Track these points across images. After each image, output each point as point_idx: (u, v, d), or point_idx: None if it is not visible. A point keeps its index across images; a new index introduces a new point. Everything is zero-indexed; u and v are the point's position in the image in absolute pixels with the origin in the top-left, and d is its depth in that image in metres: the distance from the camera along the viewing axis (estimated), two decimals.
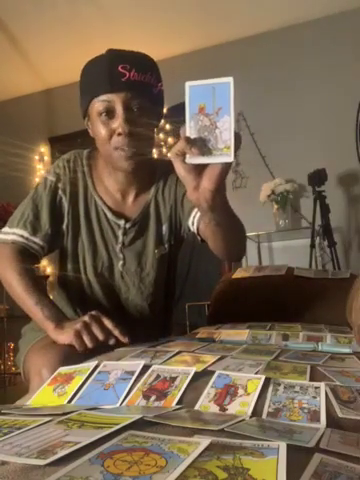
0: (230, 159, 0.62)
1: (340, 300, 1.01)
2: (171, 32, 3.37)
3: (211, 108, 0.62)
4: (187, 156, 0.64)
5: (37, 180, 3.77)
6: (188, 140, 0.63)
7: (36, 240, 1.07)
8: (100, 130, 0.99)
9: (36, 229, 1.07)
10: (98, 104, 0.98)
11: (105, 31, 3.28)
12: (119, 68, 0.95)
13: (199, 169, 0.66)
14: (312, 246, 2.78)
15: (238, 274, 1.60)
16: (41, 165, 3.87)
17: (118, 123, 0.97)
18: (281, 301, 1.41)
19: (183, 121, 0.64)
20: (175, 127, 3.13)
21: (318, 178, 2.77)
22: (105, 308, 1.12)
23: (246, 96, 3.10)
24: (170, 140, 3.37)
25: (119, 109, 0.97)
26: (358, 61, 3.11)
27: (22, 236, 1.07)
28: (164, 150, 3.40)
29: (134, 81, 0.96)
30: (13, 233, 1.07)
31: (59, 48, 3.46)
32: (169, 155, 0.67)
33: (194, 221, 1.09)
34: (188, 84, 0.63)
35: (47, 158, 3.92)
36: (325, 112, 3.12)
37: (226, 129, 0.62)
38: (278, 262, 3.14)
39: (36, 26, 3.22)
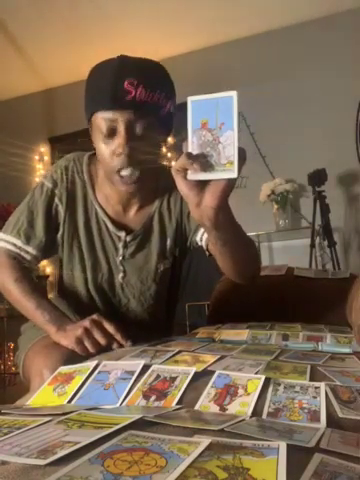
0: (234, 175, 0.60)
1: (340, 300, 1.01)
2: (171, 32, 3.37)
3: (214, 123, 0.60)
4: (189, 172, 0.63)
5: (37, 180, 3.77)
6: (190, 156, 0.61)
7: (29, 250, 1.04)
8: (101, 147, 0.95)
9: (30, 238, 1.04)
10: (100, 120, 0.92)
11: (105, 31, 3.29)
12: (125, 84, 0.88)
13: (201, 186, 0.64)
14: (312, 246, 2.79)
15: None
16: (41, 165, 3.87)
17: (118, 143, 0.91)
18: (281, 301, 1.41)
19: (185, 132, 0.63)
20: (177, 141, 3.12)
21: (318, 178, 2.78)
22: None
23: (246, 96, 3.10)
24: (170, 140, 3.37)
25: (121, 129, 0.90)
26: (358, 61, 3.11)
27: (15, 245, 1.04)
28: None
29: (140, 101, 0.89)
30: (6, 241, 1.04)
31: (59, 48, 3.46)
32: (172, 172, 0.65)
33: (202, 237, 1.06)
34: (190, 99, 0.61)
35: (47, 158, 3.92)
36: (325, 112, 3.12)
37: (229, 144, 0.60)
38: (278, 262, 3.14)
39: (36, 26, 3.22)
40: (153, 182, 1.08)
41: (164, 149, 3.39)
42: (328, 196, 2.80)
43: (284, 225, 3.05)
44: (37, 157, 3.87)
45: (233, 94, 0.59)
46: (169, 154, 3.40)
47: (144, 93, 0.89)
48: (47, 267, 3.33)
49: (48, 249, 1.08)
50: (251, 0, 3.06)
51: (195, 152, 0.61)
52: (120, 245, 1.08)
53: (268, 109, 3.22)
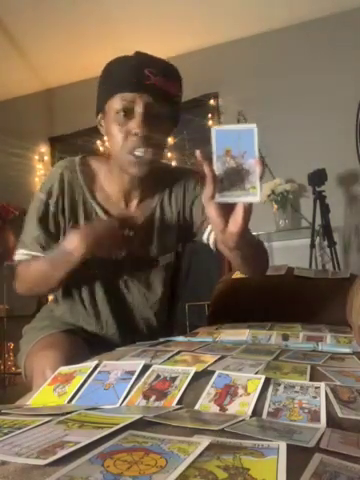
0: (257, 199, 0.66)
1: (340, 300, 1.01)
2: (171, 32, 3.37)
3: (237, 151, 0.66)
4: (217, 195, 0.67)
5: (37, 180, 3.78)
6: (216, 179, 0.66)
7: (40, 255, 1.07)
8: (115, 129, 0.97)
9: (33, 249, 1.06)
10: (117, 102, 0.96)
11: (105, 31, 3.29)
12: (146, 71, 0.94)
13: (227, 213, 0.70)
14: (312, 246, 2.78)
15: (238, 274, 1.60)
16: (41, 165, 3.87)
17: (136, 124, 0.95)
18: (281, 301, 1.41)
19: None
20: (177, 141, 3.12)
21: (318, 178, 2.77)
22: (109, 314, 1.12)
23: (246, 96, 3.11)
24: (170, 140, 3.37)
25: (138, 110, 0.95)
26: (358, 61, 3.11)
27: (24, 258, 1.07)
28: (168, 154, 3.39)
29: (158, 86, 0.95)
30: (28, 254, 1.07)
31: (59, 48, 3.46)
32: (203, 200, 0.70)
33: (209, 237, 1.09)
34: (214, 129, 0.66)
35: (47, 158, 3.92)
36: (325, 112, 3.12)
37: (252, 171, 0.66)
38: (278, 262, 3.13)
39: (36, 26, 3.22)
40: (154, 176, 1.09)
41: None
42: (328, 196, 2.79)
43: (284, 225, 3.05)
44: (37, 157, 3.87)
45: (254, 126, 0.66)
46: (169, 154, 3.41)
47: (162, 81, 0.96)
48: None
49: None
50: (251, 0, 3.06)
51: (220, 176, 0.66)
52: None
53: (268, 109, 3.22)
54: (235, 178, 0.66)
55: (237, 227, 0.70)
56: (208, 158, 0.67)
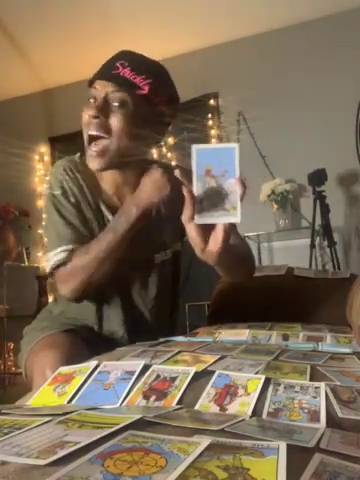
0: (237, 220, 0.65)
1: (340, 300, 1.01)
2: (171, 32, 3.37)
3: (217, 171, 0.65)
4: (196, 216, 0.66)
5: (37, 180, 3.78)
6: (195, 200, 0.65)
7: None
8: (84, 114, 1.01)
9: (79, 240, 1.02)
10: (89, 90, 1.02)
11: (105, 31, 3.29)
12: (116, 64, 0.99)
13: (207, 232, 0.70)
14: (312, 246, 2.79)
15: None
16: (41, 165, 3.87)
17: (92, 108, 0.98)
18: (281, 301, 1.41)
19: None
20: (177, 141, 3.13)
21: (318, 178, 2.78)
22: (107, 312, 1.12)
23: (246, 96, 3.11)
24: (171, 140, 3.38)
25: (99, 96, 0.99)
26: (358, 61, 3.11)
27: (72, 250, 1.01)
28: (164, 150, 3.40)
29: (122, 77, 0.98)
30: (66, 251, 1.01)
31: (59, 48, 3.46)
32: (183, 221, 0.69)
33: None
34: (195, 147, 0.65)
35: (47, 158, 3.93)
36: (325, 112, 3.12)
37: (232, 192, 0.65)
38: (278, 262, 3.14)
39: (36, 26, 3.22)
40: (145, 171, 1.07)
41: (163, 149, 3.41)
42: (328, 196, 2.80)
43: (284, 225, 3.05)
44: (37, 157, 3.87)
45: (235, 146, 0.65)
46: (169, 154, 3.41)
47: (128, 72, 0.98)
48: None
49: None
50: (251, 0, 3.06)
51: (200, 197, 0.66)
52: None
53: (268, 109, 3.22)
54: (215, 199, 0.65)
55: (216, 246, 0.70)
56: (188, 178, 0.66)
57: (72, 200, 1.05)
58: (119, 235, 0.97)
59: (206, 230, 0.70)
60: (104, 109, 0.98)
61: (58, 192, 1.06)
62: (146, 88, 1.00)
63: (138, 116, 1.00)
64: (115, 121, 0.98)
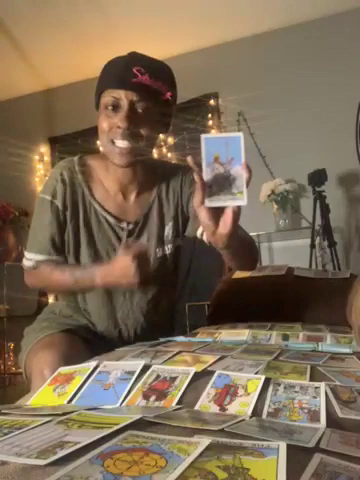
0: (244, 203, 0.70)
1: (340, 300, 1.01)
2: (171, 32, 3.37)
3: (225, 158, 0.70)
4: (206, 200, 0.70)
5: (37, 180, 3.78)
6: (205, 186, 0.69)
7: (53, 258, 1.12)
8: (102, 122, 1.03)
9: (51, 253, 1.11)
10: (107, 98, 1.02)
11: (105, 31, 3.28)
12: (134, 70, 1.00)
13: (217, 216, 0.73)
14: (312, 246, 2.78)
15: (238, 274, 1.60)
16: (41, 165, 3.87)
17: (119, 118, 1.00)
18: (281, 301, 1.41)
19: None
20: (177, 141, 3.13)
21: (318, 178, 2.77)
22: (109, 309, 1.13)
23: (246, 96, 3.10)
24: (171, 140, 3.38)
25: (124, 105, 1.00)
26: (358, 61, 3.11)
27: (43, 261, 1.12)
28: (164, 150, 3.40)
29: (144, 84, 1.00)
30: (35, 260, 1.12)
31: (59, 48, 3.46)
32: (194, 205, 0.73)
33: (204, 233, 1.10)
34: (204, 136, 0.70)
35: (47, 158, 3.92)
36: (325, 112, 3.12)
37: (239, 177, 0.69)
38: (278, 262, 3.14)
39: (36, 26, 3.21)
40: (150, 171, 1.15)
41: (164, 149, 3.41)
42: (328, 196, 2.79)
43: (284, 225, 3.05)
44: (37, 157, 3.87)
45: (240, 134, 0.70)
46: (169, 154, 3.41)
47: (149, 79, 1.00)
48: None
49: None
50: (251, 0, 3.06)
51: (209, 182, 0.70)
52: (124, 234, 1.12)
53: (268, 109, 3.21)
54: (223, 183, 0.70)
55: (227, 229, 0.73)
56: (198, 165, 0.70)
57: (60, 207, 1.10)
58: (78, 285, 1.07)
59: (216, 214, 0.73)
60: (132, 118, 1.00)
61: (48, 197, 1.11)
62: (167, 93, 1.05)
63: (158, 119, 1.06)
64: (143, 129, 1.02)
